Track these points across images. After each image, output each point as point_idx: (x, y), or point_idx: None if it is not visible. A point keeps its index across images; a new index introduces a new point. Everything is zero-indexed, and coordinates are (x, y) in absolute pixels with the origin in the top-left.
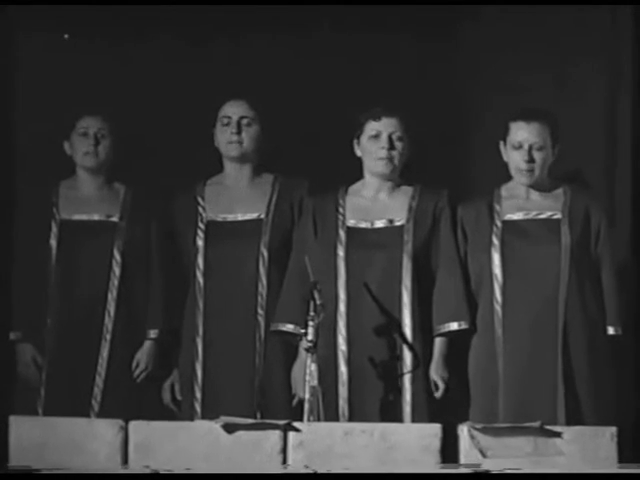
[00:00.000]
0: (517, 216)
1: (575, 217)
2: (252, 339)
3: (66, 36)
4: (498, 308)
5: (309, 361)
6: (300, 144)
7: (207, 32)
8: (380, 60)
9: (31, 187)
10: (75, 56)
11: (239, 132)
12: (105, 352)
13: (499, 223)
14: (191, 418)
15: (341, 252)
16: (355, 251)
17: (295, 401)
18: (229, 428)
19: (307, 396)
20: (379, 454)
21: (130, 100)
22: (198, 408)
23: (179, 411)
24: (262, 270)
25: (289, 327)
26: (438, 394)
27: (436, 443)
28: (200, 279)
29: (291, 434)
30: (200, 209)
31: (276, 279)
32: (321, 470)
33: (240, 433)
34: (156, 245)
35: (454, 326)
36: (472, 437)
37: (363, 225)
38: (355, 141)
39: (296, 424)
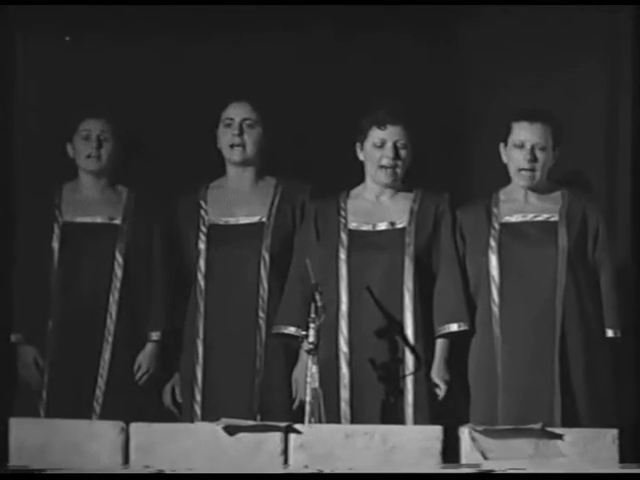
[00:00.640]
0: (515, 218)
1: (573, 219)
2: (253, 342)
3: (67, 38)
4: (496, 310)
5: (310, 363)
6: (302, 147)
7: (210, 34)
8: (382, 63)
9: (33, 190)
10: (78, 58)
11: (241, 134)
12: (107, 354)
13: (497, 225)
14: (191, 420)
15: (343, 254)
16: (357, 253)
17: (296, 404)
18: (230, 430)
19: (308, 398)
20: (380, 456)
21: (133, 102)
22: (198, 410)
23: (180, 413)
24: (263, 273)
25: (291, 330)
26: (440, 396)
27: (437, 445)
28: (201, 282)
29: (292, 436)
30: (202, 212)
31: (277, 282)
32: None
33: (241, 435)
34: (158, 248)
35: (454, 327)
36: (473, 439)
37: (365, 228)
38: (358, 145)
39: (297, 426)
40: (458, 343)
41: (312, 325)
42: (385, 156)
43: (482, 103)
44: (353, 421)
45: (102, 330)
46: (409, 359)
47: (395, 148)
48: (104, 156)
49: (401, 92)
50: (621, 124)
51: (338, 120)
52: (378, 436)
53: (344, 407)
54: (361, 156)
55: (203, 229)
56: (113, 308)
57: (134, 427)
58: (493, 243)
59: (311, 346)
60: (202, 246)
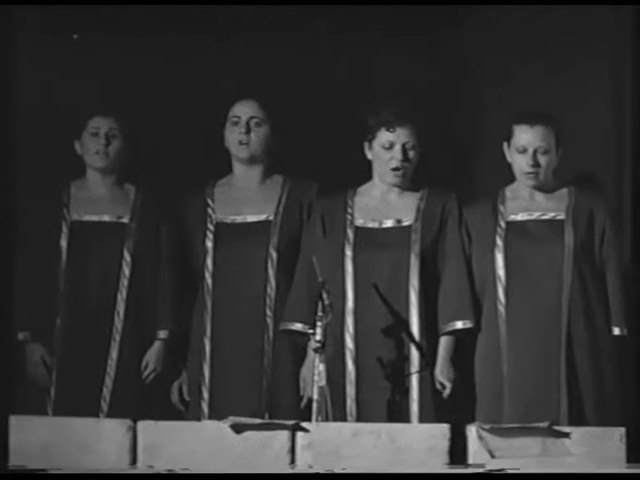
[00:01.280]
0: (521, 217)
1: (579, 218)
2: (260, 340)
3: (75, 36)
4: (501, 308)
5: (317, 361)
6: (309, 145)
7: (218, 33)
8: (389, 63)
9: (41, 188)
10: (86, 56)
11: (248, 132)
12: (114, 352)
13: (503, 224)
14: (199, 418)
15: (349, 252)
16: (363, 251)
17: (304, 402)
18: (237, 428)
19: (315, 396)
20: (387, 455)
21: (141, 100)
22: (205, 409)
23: (187, 411)
24: (270, 272)
25: (298, 326)
26: (445, 394)
27: (444, 444)
28: (208, 280)
29: (299, 434)
30: (209, 210)
31: (284, 281)
32: (329, 470)
33: (248, 433)
34: (166, 246)
35: (459, 325)
36: (480, 438)
37: (371, 225)
38: (366, 144)
39: (304, 424)
40: (463, 341)
41: (319, 323)
42: (394, 158)
43: (487, 102)
44: (359, 418)
45: (110, 328)
46: (414, 357)
47: (404, 150)
48: (112, 153)
49: (408, 92)
50: (627, 122)
51: (345, 118)
52: (385, 434)
53: (350, 403)
54: (369, 155)
55: (210, 227)
56: (121, 306)
57: (141, 425)
58: (499, 242)
59: (318, 344)
60: (209, 244)
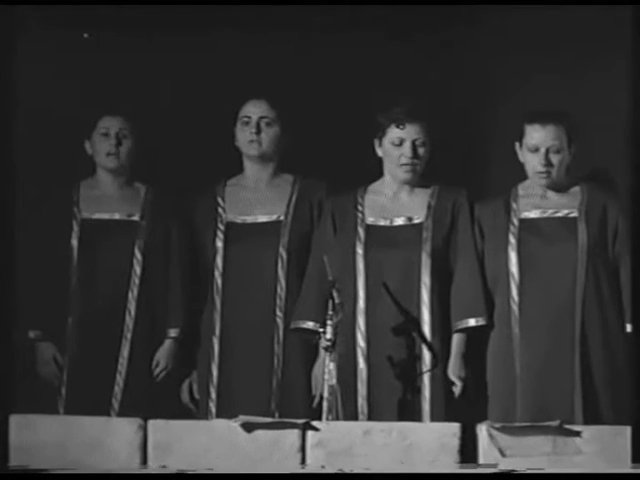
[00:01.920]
0: (534, 214)
1: (592, 215)
2: (270, 340)
3: (86, 35)
4: (515, 306)
5: (327, 360)
6: (319, 144)
7: (228, 32)
8: (398, 60)
9: (52, 187)
10: (96, 56)
11: (258, 132)
12: (125, 351)
13: (516, 221)
14: (207, 418)
15: (360, 250)
16: (374, 249)
17: (316, 401)
18: (248, 427)
19: (326, 395)
20: (398, 453)
21: (151, 100)
22: (213, 408)
23: (197, 410)
24: (281, 272)
25: (309, 324)
26: (456, 393)
27: (455, 442)
28: (218, 280)
29: (310, 433)
30: (220, 210)
31: (295, 281)
32: (339, 469)
33: (259, 432)
34: (176, 245)
35: (471, 322)
36: (491, 436)
37: (382, 223)
38: (376, 141)
39: (315, 423)
40: (475, 339)
41: (329, 322)
42: (404, 155)
43: (499, 99)
44: (370, 416)
45: (121, 326)
46: (426, 355)
47: (414, 146)
48: (123, 154)
49: (418, 89)
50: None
51: (355, 117)
52: (396, 433)
53: (361, 402)
54: (379, 152)
55: (220, 227)
56: (132, 305)
57: (152, 424)
58: (512, 239)
59: (329, 343)
60: (219, 244)
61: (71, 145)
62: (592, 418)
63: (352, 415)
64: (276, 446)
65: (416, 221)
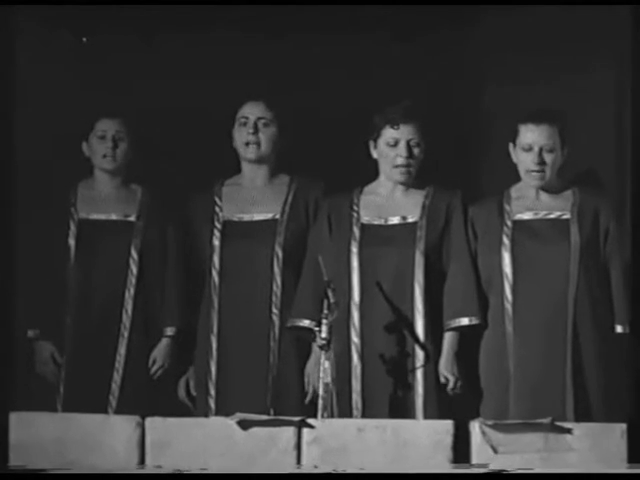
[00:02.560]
0: (527, 216)
1: (584, 217)
2: (266, 338)
3: (85, 39)
4: (508, 306)
5: (323, 358)
6: (315, 145)
7: (225, 34)
8: (393, 62)
9: (51, 187)
10: (93, 58)
11: (256, 132)
12: (123, 349)
13: (509, 223)
14: (205, 414)
15: (355, 248)
16: (369, 247)
17: (309, 398)
18: (244, 424)
19: (321, 393)
20: (391, 450)
21: (149, 102)
22: (212, 405)
23: (194, 407)
24: (277, 270)
25: (305, 322)
26: (449, 388)
27: (448, 439)
28: (215, 278)
29: (305, 431)
30: (217, 209)
31: (290, 278)
32: (334, 466)
33: (255, 429)
34: (172, 245)
35: (465, 321)
36: (484, 433)
37: (377, 222)
38: (371, 143)
39: (310, 420)
40: (468, 338)
41: (325, 321)
42: (399, 155)
43: (493, 101)
44: (364, 412)
45: (118, 325)
46: (419, 353)
47: (409, 147)
48: (119, 155)
49: (412, 91)
50: (630, 122)
51: (351, 118)
52: (390, 430)
53: (355, 398)
54: (374, 154)
55: (218, 225)
56: (128, 304)
57: (149, 422)
58: (506, 240)
59: (324, 342)
60: (216, 242)
61: (69, 147)
62: (583, 416)
63: (346, 410)
64: (272, 443)
65: (410, 220)
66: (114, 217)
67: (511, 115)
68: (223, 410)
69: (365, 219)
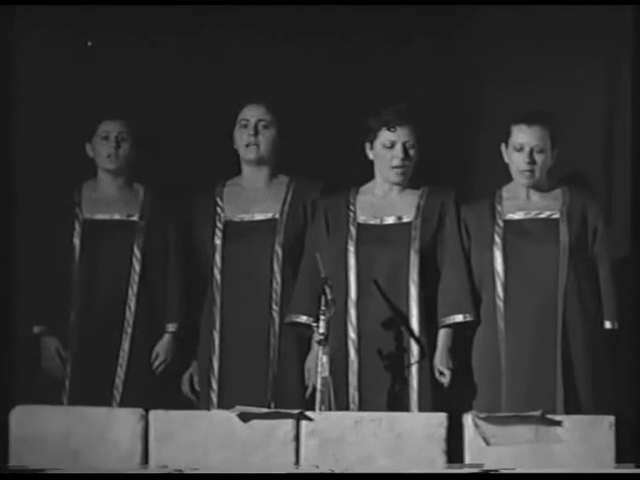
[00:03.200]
0: (518, 216)
1: (573, 216)
2: (267, 334)
3: (89, 43)
4: (500, 303)
5: (320, 353)
6: (314, 146)
7: (226, 36)
8: (389, 64)
9: (56, 188)
10: (97, 60)
11: (256, 134)
12: (126, 345)
13: (501, 222)
14: (208, 408)
15: (351, 247)
16: (365, 246)
17: (309, 392)
18: (244, 417)
19: (319, 387)
20: (387, 442)
21: (151, 104)
22: (214, 398)
23: (197, 401)
24: (276, 268)
25: (302, 318)
26: (444, 383)
27: (441, 431)
28: (217, 276)
29: (303, 423)
30: (218, 209)
31: (289, 276)
32: (331, 457)
33: (255, 422)
34: (174, 244)
35: (459, 318)
36: (476, 425)
37: (373, 222)
38: (368, 145)
39: (308, 413)
40: (461, 334)
41: (322, 317)
42: (395, 157)
43: (486, 103)
44: (361, 405)
45: (121, 322)
46: (414, 348)
47: (404, 149)
48: (122, 156)
49: (408, 93)
50: (621, 123)
51: (348, 121)
52: (385, 422)
53: (352, 392)
54: (371, 155)
55: (219, 225)
56: (132, 301)
57: (153, 414)
58: (497, 239)
59: (321, 337)
60: (218, 242)
61: (73, 148)
62: (573, 408)
63: (343, 404)
64: (271, 435)
65: (405, 220)
66: (117, 217)
67: (504, 116)
68: (225, 404)
69: (361, 219)
